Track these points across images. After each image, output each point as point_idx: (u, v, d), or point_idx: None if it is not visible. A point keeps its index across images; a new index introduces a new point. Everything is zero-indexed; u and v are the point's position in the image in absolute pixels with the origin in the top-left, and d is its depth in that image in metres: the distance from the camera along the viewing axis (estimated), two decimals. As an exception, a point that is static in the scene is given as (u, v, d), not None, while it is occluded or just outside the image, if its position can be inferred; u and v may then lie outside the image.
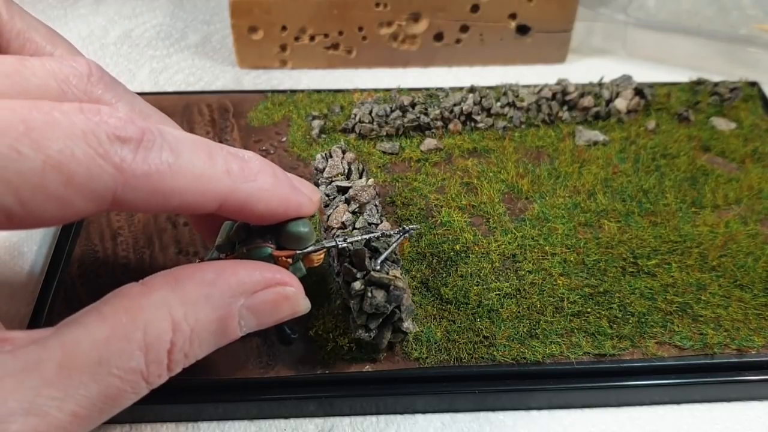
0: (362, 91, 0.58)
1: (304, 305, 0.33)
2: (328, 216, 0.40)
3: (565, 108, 0.55)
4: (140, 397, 0.28)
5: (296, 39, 0.63)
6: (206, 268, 0.30)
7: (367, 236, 0.36)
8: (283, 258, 0.34)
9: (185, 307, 0.28)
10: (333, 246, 0.35)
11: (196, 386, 0.38)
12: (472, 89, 0.55)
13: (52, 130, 0.25)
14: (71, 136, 0.25)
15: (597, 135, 0.53)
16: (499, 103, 0.54)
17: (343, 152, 0.44)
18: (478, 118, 0.54)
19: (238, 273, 0.30)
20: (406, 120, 0.53)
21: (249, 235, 0.34)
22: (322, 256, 0.36)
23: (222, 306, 0.30)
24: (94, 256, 0.45)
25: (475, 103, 0.54)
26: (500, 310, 0.41)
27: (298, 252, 0.34)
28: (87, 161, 0.25)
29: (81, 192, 0.25)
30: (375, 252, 0.37)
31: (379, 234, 0.37)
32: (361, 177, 0.42)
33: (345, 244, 0.36)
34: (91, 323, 0.27)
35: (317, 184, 0.42)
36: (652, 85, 0.57)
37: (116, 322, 0.27)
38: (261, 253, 0.34)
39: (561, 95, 0.55)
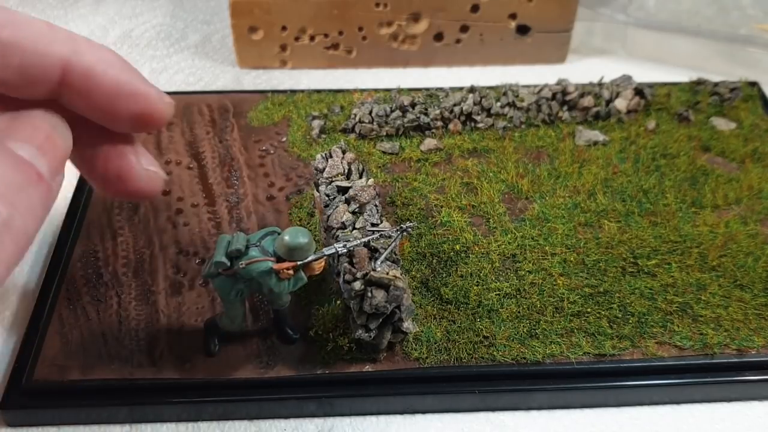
0: (362, 91, 0.58)
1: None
2: (328, 216, 0.40)
3: (565, 108, 0.55)
4: None
5: (296, 39, 0.63)
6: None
7: (365, 239, 0.36)
8: (285, 270, 0.34)
9: None
10: (333, 253, 0.35)
11: (196, 386, 0.38)
12: (472, 89, 0.55)
13: None
14: None
15: (597, 135, 0.53)
16: (499, 103, 0.54)
17: (343, 152, 0.44)
18: (478, 118, 0.54)
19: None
20: (406, 120, 0.53)
21: (247, 249, 0.34)
22: (323, 263, 0.36)
23: None
24: (94, 256, 0.45)
25: (475, 103, 0.54)
26: (500, 310, 0.41)
27: (299, 263, 0.34)
28: None
29: None
30: (375, 252, 0.37)
31: (377, 236, 0.37)
32: (361, 177, 0.42)
33: (345, 250, 0.36)
34: None
35: (317, 185, 0.42)
36: (652, 85, 0.57)
37: None
38: (261, 267, 0.34)
39: (561, 95, 0.55)
